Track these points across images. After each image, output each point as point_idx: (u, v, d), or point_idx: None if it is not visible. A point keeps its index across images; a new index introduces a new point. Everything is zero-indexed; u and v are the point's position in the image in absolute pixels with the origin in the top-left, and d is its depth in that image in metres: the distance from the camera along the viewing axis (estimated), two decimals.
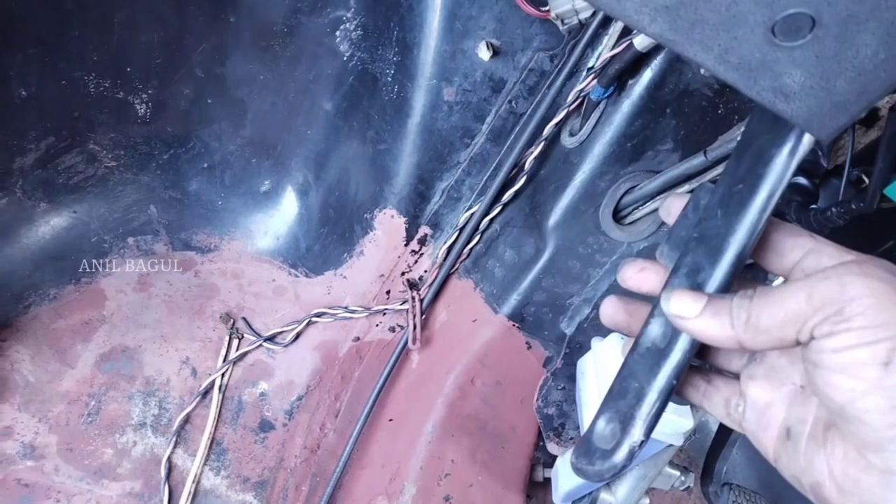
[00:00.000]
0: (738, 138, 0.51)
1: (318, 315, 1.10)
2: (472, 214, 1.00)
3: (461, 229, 1.02)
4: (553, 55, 0.92)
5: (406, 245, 1.08)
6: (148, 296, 1.10)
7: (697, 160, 0.77)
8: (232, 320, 1.11)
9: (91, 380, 1.03)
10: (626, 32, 0.80)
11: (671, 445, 0.86)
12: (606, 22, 0.83)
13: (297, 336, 1.10)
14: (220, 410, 1.06)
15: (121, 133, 1.03)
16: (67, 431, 0.99)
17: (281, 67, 1.03)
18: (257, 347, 1.10)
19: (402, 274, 1.09)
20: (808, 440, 0.44)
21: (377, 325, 1.10)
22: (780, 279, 0.51)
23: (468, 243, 1.02)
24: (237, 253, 1.15)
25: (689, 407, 0.80)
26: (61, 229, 1.05)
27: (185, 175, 1.11)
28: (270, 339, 1.10)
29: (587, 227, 0.90)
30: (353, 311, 1.09)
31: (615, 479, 0.94)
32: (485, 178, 1.01)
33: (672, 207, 0.54)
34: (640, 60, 0.77)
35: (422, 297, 1.05)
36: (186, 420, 1.03)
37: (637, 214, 0.88)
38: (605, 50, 0.82)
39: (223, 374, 1.07)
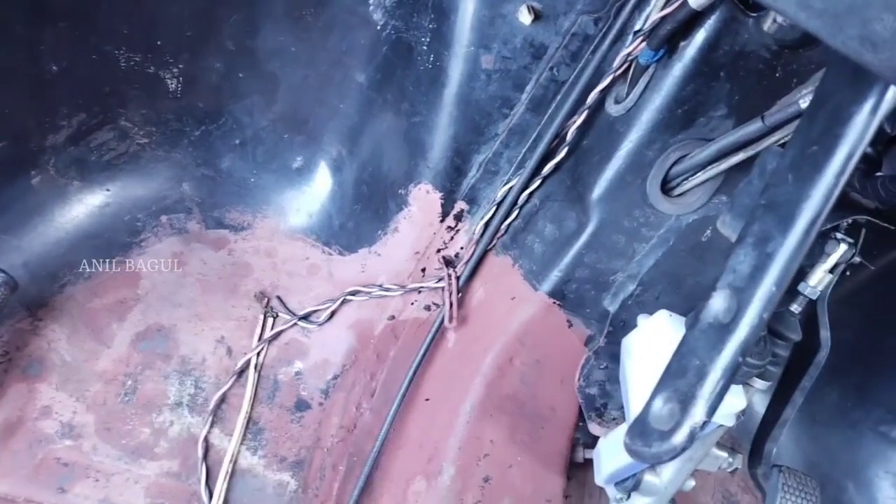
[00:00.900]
0: (808, 97, 0.48)
1: (353, 293, 1.09)
2: (511, 188, 0.97)
3: (499, 204, 0.99)
4: (598, 18, 0.88)
5: (442, 221, 1.05)
6: (182, 274, 1.09)
7: (754, 126, 0.72)
8: (266, 299, 1.10)
9: (127, 359, 1.02)
10: None
11: (721, 426, 0.83)
12: None
13: (332, 315, 1.09)
14: (256, 390, 1.05)
15: (152, 109, 1.02)
16: (105, 411, 0.99)
17: (313, 39, 1.00)
18: (292, 326, 1.09)
19: (438, 251, 1.07)
20: None
21: (412, 304, 1.08)
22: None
23: (506, 218, 0.99)
24: (270, 231, 1.14)
25: (741, 386, 0.77)
26: (95, 207, 1.04)
27: (218, 152, 1.10)
28: (305, 317, 1.09)
29: (633, 199, 0.86)
30: (387, 290, 1.08)
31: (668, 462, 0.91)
32: (524, 151, 0.98)
33: None
34: (692, 20, 0.72)
35: (458, 274, 1.02)
36: (223, 399, 1.03)
37: (687, 185, 0.84)
38: (655, 11, 0.78)
39: (258, 353, 1.06)
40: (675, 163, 0.83)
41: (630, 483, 0.94)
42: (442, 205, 1.04)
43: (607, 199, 0.87)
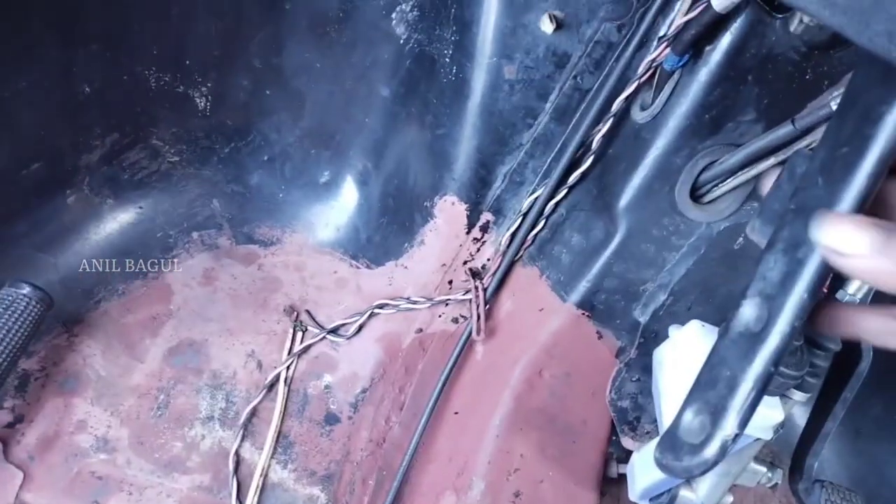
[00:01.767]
0: (838, 98, 0.46)
1: (381, 306, 1.09)
2: (537, 199, 0.96)
3: (525, 215, 0.98)
4: (621, 25, 0.87)
5: (468, 233, 1.04)
6: (213, 290, 1.11)
7: (784, 130, 0.70)
8: (296, 313, 1.10)
9: (160, 374, 1.04)
10: None
11: (758, 440, 0.80)
12: None
13: (360, 328, 1.09)
14: (286, 403, 1.05)
15: (182, 127, 1.04)
16: (138, 425, 1.00)
17: (337, 54, 1.01)
18: (321, 340, 1.09)
19: (465, 263, 1.06)
20: None
21: (440, 316, 1.08)
22: None
23: (532, 229, 0.98)
24: (299, 245, 1.15)
25: (778, 398, 0.74)
26: (128, 225, 1.07)
27: (247, 168, 1.11)
28: (334, 331, 1.09)
29: (662, 207, 0.85)
30: (415, 302, 1.07)
31: (700, 476, 0.88)
32: (549, 160, 0.97)
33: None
34: (717, 24, 0.71)
35: (485, 286, 1.01)
36: (253, 413, 1.03)
37: (716, 192, 0.82)
38: (679, 16, 0.76)
39: (288, 367, 1.07)
40: (703, 169, 0.81)
41: (665, 499, 0.91)
42: (468, 216, 1.03)
43: (635, 207, 0.86)
